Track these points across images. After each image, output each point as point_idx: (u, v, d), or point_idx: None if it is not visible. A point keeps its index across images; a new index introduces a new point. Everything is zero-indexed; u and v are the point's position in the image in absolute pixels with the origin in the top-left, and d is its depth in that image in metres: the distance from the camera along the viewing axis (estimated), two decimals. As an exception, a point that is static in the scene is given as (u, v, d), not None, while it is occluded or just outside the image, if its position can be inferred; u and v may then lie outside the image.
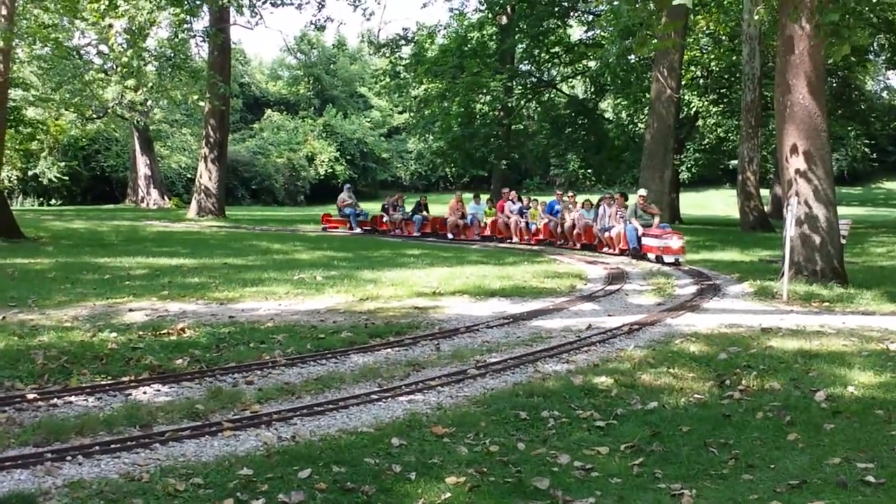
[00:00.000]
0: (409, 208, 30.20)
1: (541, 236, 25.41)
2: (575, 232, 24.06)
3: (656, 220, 21.27)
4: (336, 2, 71.46)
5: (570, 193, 26.20)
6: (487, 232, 27.14)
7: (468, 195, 30.59)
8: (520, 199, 27.36)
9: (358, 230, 30.27)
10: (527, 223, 25.97)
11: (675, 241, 19.51)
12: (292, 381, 8.21)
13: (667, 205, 29.89)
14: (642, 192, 22.16)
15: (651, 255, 20.07)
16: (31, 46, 35.38)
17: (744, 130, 32.26)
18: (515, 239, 25.97)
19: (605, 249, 22.43)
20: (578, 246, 23.68)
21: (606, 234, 22.47)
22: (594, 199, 24.94)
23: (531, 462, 6.06)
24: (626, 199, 22.46)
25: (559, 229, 24.64)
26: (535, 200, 27.31)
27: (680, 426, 6.87)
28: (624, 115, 46.15)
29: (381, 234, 29.34)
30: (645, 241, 20.53)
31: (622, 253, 21.37)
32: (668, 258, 19.36)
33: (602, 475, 5.83)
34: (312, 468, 5.74)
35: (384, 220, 30.28)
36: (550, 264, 19.16)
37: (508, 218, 26.46)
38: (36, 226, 28.77)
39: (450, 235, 27.54)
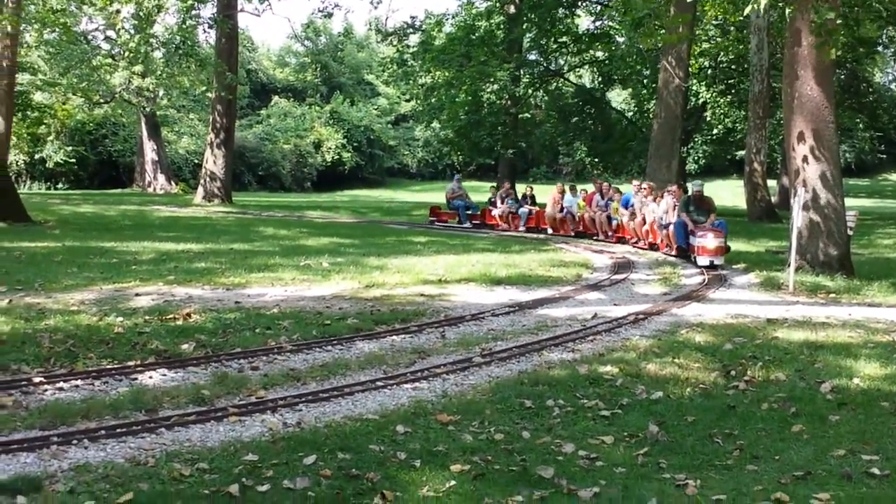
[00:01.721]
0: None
1: (621, 233, 22.66)
2: (644, 229, 21.20)
3: (712, 216, 18.17)
4: (344, -12, 72.19)
5: (647, 184, 22.68)
6: (581, 227, 24.31)
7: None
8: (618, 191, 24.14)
9: (468, 224, 27.61)
10: (609, 217, 23.22)
11: (711, 240, 16.72)
12: (298, 367, 8.22)
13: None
14: (697, 184, 19.10)
15: (694, 257, 17.42)
16: (38, 31, 35.35)
17: (751, 121, 32.21)
18: (601, 236, 23.25)
19: (665, 249, 19.66)
20: (646, 245, 20.90)
21: (665, 230, 19.73)
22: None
23: (536, 451, 6.06)
24: (687, 192, 19.52)
25: (632, 225, 21.85)
26: (618, 191, 24.06)
27: (685, 416, 6.87)
28: (632, 104, 46.09)
29: (490, 229, 26.68)
30: (691, 239, 17.72)
31: (679, 254, 18.57)
32: (702, 260, 16.70)
33: (607, 464, 5.83)
34: (317, 454, 5.75)
35: (493, 213, 27.47)
36: (556, 253, 19.15)
37: (595, 212, 23.72)
38: (43, 209, 28.81)
39: (549, 231, 25.10)
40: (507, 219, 26.70)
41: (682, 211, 18.47)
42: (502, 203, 27.04)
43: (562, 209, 24.99)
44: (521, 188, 27.29)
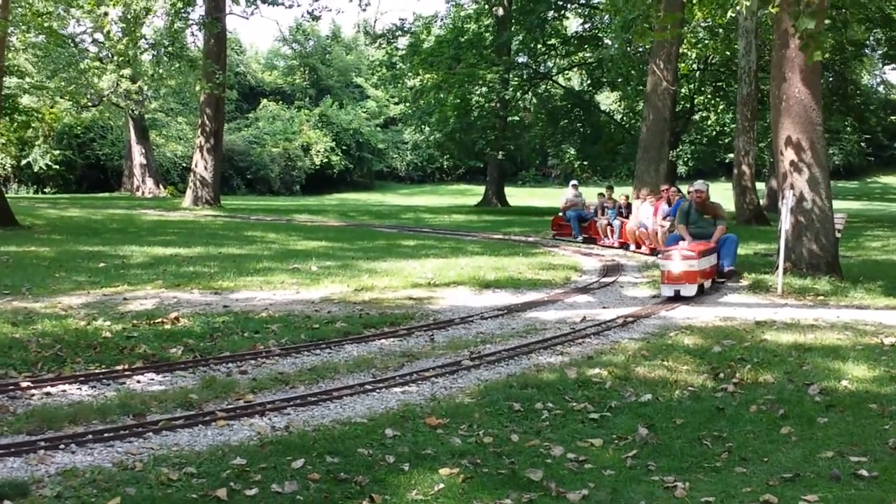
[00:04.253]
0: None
1: None
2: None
3: (720, 226, 14.82)
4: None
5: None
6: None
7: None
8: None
9: (579, 238, 23.92)
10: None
11: (676, 263, 12.95)
12: (286, 370, 8.20)
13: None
14: (700, 184, 15.36)
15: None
16: (25, 34, 35.26)
17: (739, 124, 32.25)
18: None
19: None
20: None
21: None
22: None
23: (525, 453, 6.05)
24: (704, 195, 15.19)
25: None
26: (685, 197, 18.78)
27: (674, 418, 6.87)
28: (620, 107, 46.18)
29: (593, 243, 23.19)
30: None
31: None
32: (666, 289, 12.99)
33: (595, 467, 5.82)
34: (306, 458, 5.73)
35: (597, 224, 23.57)
36: (546, 256, 19.14)
37: (659, 224, 19.52)
38: (30, 213, 28.71)
39: (632, 246, 21.11)
40: (605, 231, 22.99)
41: (681, 222, 15.12)
42: (602, 213, 23.65)
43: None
44: (620, 194, 24.13)
